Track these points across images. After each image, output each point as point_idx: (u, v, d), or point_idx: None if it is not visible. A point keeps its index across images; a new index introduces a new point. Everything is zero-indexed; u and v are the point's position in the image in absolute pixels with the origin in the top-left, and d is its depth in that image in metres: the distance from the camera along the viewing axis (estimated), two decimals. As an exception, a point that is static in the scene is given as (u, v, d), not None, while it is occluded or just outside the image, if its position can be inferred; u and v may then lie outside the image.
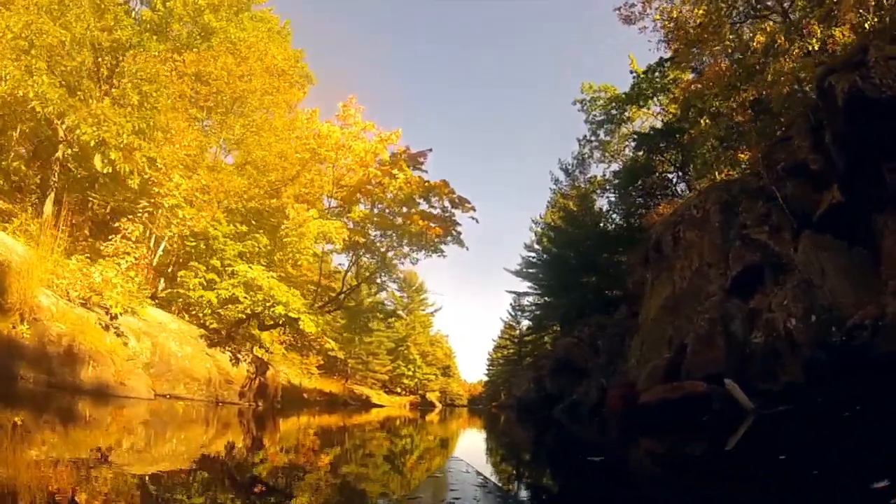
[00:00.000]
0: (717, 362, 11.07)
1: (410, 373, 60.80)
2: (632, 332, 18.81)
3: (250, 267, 13.49)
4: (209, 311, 14.02)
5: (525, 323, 50.31)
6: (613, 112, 30.13)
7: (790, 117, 13.82)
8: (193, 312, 14.59)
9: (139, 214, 12.44)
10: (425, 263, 36.26)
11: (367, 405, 41.02)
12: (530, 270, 41.34)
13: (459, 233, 18.03)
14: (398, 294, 66.22)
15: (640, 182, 27.99)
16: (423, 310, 68.60)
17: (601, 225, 31.25)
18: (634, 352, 17.33)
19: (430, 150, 18.05)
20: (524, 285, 51.43)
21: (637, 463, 6.61)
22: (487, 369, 71.04)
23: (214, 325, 14.19)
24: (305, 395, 33.82)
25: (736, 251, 12.11)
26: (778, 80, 13.62)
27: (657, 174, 27.92)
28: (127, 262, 11.12)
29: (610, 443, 9.83)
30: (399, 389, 59.44)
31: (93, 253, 12.08)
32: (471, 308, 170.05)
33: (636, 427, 13.04)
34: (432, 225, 16.99)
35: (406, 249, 17.49)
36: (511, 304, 52.06)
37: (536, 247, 41.30)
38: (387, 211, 17.61)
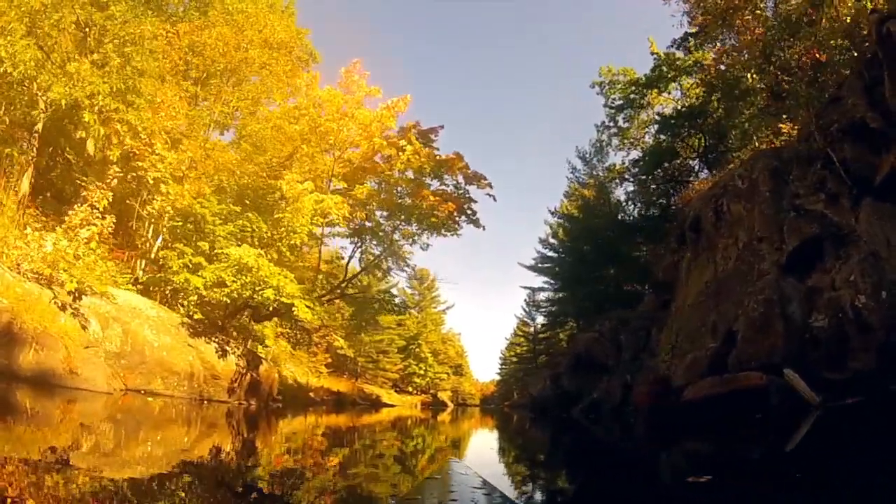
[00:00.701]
0: (773, 350, 9.50)
1: (422, 371, 59.30)
2: (660, 324, 17.27)
3: (238, 245, 12.02)
4: (195, 299, 12.58)
5: (540, 320, 48.79)
6: (633, 96, 28.49)
7: (841, 76, 12.42)
8: (181, 301, 13.17)
9: (109, 181, 11.01)
10: (433, 261, 34.87)
11: (376, 405, 39.75)
12: (545, 265, 40.11)
13: (475, 211, 16.43)
14: (409, 291, 65.01)
15: (662, 168, 26.51)
16: (435, 307, 67.18)
17: (620, 215, 29.70)
18: (665, 345, 15.78)
19: (442, 126, 16.52)
20: (539, 280, 50.52)
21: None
22: (500, 368, 70.14)
23: (198, 316, 12.72)
24: (312, 394, 32.47)
25: (791, 222, 10.49)
26: (832, 31, 12.02)
27: (680, 160, 26.45)
28: (89, 231, 9.68)
29: (637, 447, 8.42)
30: (410, 389, 58.01)
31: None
32: (478, 307, 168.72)
33: (670, 427, 11.74)
34: (445, 201, 15.36)
35: (414, 228, 15.86)
36: (525, 300, 50.50)
37: (552, 241, 40.03)
38: (396, 190, 15.99)
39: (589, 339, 24.05)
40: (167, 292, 13.51)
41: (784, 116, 14.51)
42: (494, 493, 3.55)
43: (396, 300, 18.63)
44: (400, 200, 15.65)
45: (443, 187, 15.75)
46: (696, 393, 10.04)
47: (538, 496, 4.23)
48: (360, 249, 16.62)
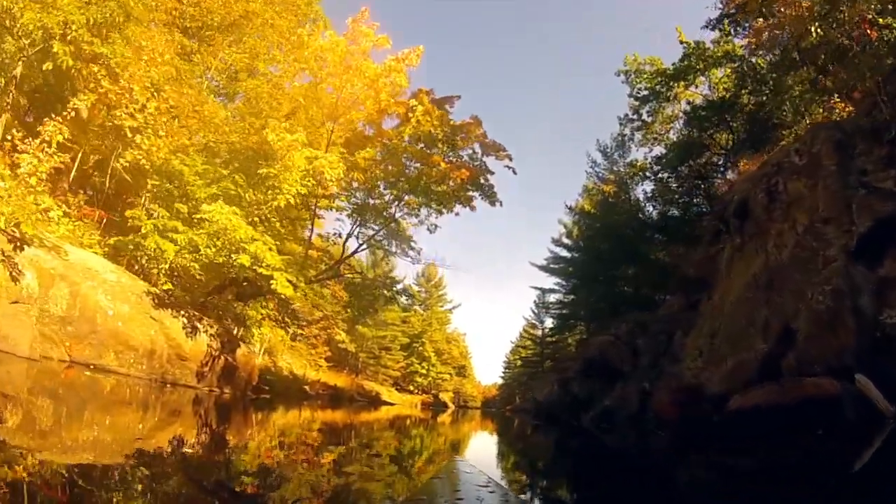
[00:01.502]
0: (843, 350, 7.83)
1: (424, 371, 57.66)
2: (686, 328, 15.61)
3: (216, 204, 10.41)
4: (166, 267, 11.01)
5: (548, 323, 47.04)
6: (659, 88, 26.83)
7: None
8: (153, 269, 11.59)
9: (66, 113, 9.46)
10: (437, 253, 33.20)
11: (375, 402, 38.35)
12: (557, 265, 38.54)
13: (491, 185, 14.61)
14: (416, 288, 63.52)
15: (687, 165, 24.90)
16: (442, 306, 65.44)
17: (642, 213, 28.00)
18: (691, 350, 14.12)
19: (459, 97, 14.80)
20: (550, 281, 48.98)
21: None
22: (504, 372, 68.62)
23: (168, 286, 11.15)
24: (307, 388, 31.01)
25: (862, 200, 8.77)
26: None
27: (707, 156, 24.84)
28: (30, 165, 8.11)
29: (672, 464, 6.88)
30: (412, 387, 56.39)
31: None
32: (479, 309, 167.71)
33: (703, 440, 10.19)
34: (458, 168, 13.57)
35: (421, 200, 14.04)
36: (535, 302, 48.71)
37: (565, 241, 38.59)
38: (403, 159, 14.22)
39: (603, 343, 22.38)
40: (143, 261, 11.92)
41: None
42: (500, 490, 3.49)
43: (398, 286, 16.87)
44: (407, 170, 13.96)
45: (455, 159, 14.05)
46: (746, 403, 8.35)
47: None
48: (359, 227, 15.02)
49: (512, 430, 19.80)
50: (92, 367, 9.20)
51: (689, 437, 11.72)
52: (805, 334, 8.24)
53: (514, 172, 14.74)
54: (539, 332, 48.10)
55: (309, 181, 11.21)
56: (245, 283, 12.46)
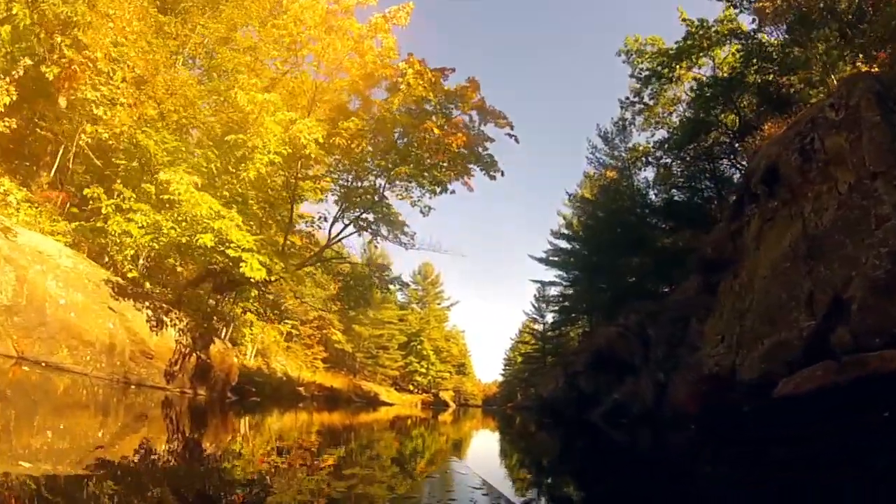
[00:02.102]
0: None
1: (423, 370, 56.47)
2: (702, 313, 14.54)
3: (174, 171, 9.20)
4: (131, 252, 9.81)
5: (549, 318, 45.96)
6: (661, 68, 25.83)
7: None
8: (116, 256, 10.37)
9: (14, 74, 8.28)
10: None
11: (374, 403, 37.29)
12: (557, 258, 37.57)
13: (491, 156, 13.22)
14: (413, 286, 62.40)
15: (694, 145, 23.90)
16: (439, 303, 64.28)
17: (647, 197, 26.91)
18: (711, 336, 13.09)
19: (453, 69, 13.46)
20: (550, 274, 48.00)
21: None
22: (504, 369, 67.83)
23: (133, 274, 9.96)
24: (302, 389, 29.82)
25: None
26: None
27: (714, 135, 23.82)
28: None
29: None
30: (411, 387, 55.22)
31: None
32: (477, 308, 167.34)
33: (734, 432, 9.17)
34: (453, 133, 12.20)
35: (411, 171, 12.65)
36: (535, 296, 47.61)
37: (564, 231, 37.59)
38: (394, 131, 12.89)
39: (611, 334, 21.27)
40: (110, 250, 10.70)
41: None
42: (493, 492, 3.47)
43: (390, 275, 15.55)
44: (398, 143, 12.63)
45: (450, 129, 12.72)
46: (799, 387, 7.22)
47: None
48: (345, 210, 13.66)
49: (514, 428, 18.83)
50: (43, 364, 8.03)
51: (715, 429, 10.69)
52: (860, 304, 7.12)
53: (517, 141, 13.48)
54: (540, 327, 47.02)
55: (285, 150, 9.96)
56: (221, 272, 11.24)
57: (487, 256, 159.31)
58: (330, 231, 14.05)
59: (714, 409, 11.20)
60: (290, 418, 12.18)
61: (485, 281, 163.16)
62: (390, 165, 12.60)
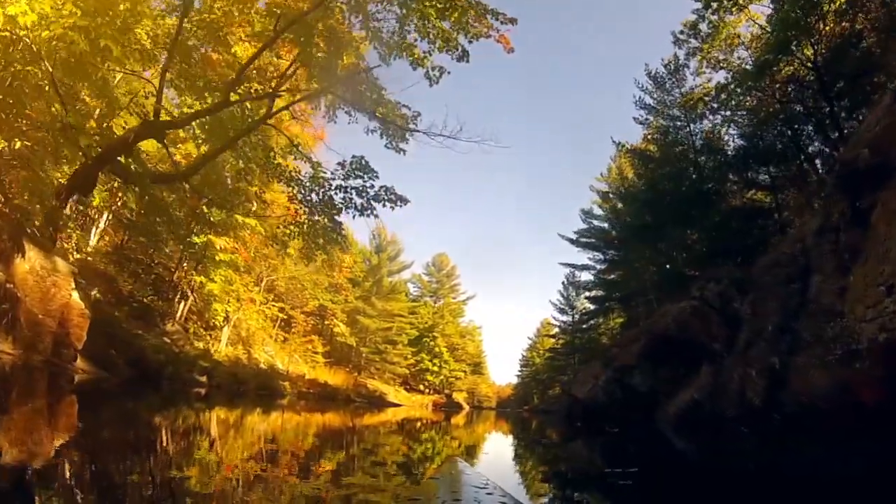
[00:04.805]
0: None
1: (436, 368, 51.57)
2: (836, 261, 9.79)
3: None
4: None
5: (578, 307, 40.75)
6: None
7: None
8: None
9: None
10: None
11: (379, 403, 32.52)
12: (590, 239, 32.71)
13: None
14: (426, 278, 57.69)
15: (770, 75, 18.79)
16: (454, 297, 59.27)
17: (715, 144, 21.72)
18: (861, 289, 8.58)
19: None
20: (583, 258, 44.18)
21: None
22: (520, 370, 63.83)
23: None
24: (287, 385, 24.98)
25: None
26: None
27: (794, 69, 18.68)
28: None
29: None
30: (422, 387, 50.41)
31: None
32: (489, 312, 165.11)
33: None
34: None
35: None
36: (563, 283, 42.25)
37: (597, 211, 32.96)
38: None
39: (682, 312, 16.02)
40: None
41: None
42: (498, 492, 3.33)
43: (373, 189, 9.46)
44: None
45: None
46: None
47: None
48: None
49: (533, 434, 13.66)
50: None
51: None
52: None
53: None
54: (569, 319, 41.59)
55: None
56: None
57: (496, 258, 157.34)
58: (274, 89, 8.63)
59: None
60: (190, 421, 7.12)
61: (497, 285, 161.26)
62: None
